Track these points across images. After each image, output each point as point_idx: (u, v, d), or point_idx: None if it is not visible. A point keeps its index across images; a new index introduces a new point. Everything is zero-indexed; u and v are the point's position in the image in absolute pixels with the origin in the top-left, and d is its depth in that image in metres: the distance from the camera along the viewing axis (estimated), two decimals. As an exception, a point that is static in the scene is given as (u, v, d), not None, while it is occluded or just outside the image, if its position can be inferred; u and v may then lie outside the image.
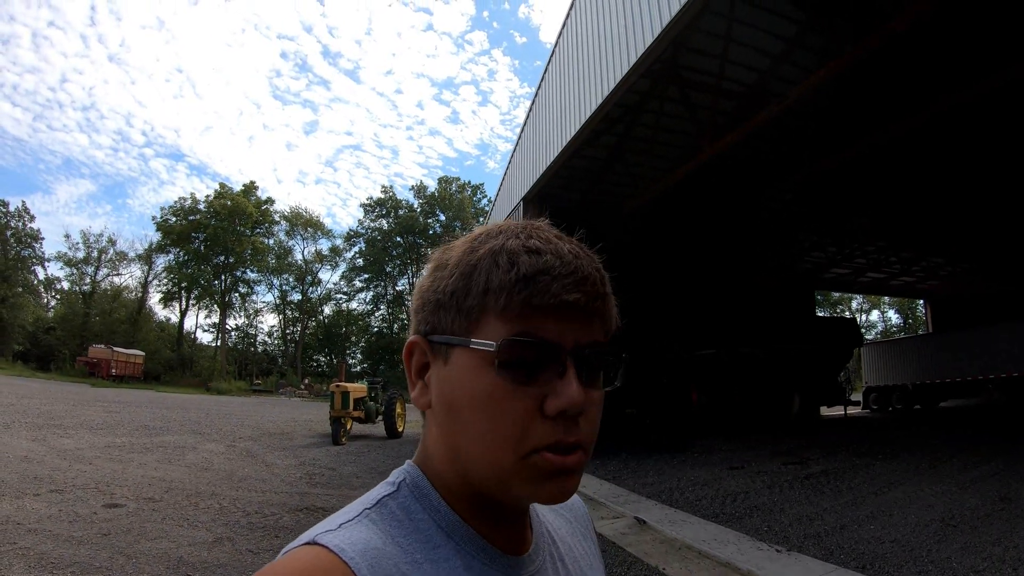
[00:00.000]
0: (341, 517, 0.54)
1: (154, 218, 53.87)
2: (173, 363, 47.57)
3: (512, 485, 0.54)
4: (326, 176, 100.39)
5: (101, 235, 58.37)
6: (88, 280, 51.09)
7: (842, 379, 21.06)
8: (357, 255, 58.67)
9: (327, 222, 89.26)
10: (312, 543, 0.50)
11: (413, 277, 58.12)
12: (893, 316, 65.30)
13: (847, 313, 57.65)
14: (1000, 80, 8.17)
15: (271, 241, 55.48)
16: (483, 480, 0.55)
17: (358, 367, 53.49)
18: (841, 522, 6.03)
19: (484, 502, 0.58)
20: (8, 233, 46.83)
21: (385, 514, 0.55)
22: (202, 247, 50.74)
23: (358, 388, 16.21)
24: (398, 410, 16.22)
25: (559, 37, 11.98)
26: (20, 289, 46.09)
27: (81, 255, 50.50)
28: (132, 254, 53.07)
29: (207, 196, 52.43)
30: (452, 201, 59.24)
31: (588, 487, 8.28)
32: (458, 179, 61.88)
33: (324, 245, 63.95)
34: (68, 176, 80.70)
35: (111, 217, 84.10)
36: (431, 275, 0.59)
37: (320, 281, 58.77)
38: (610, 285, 0.58)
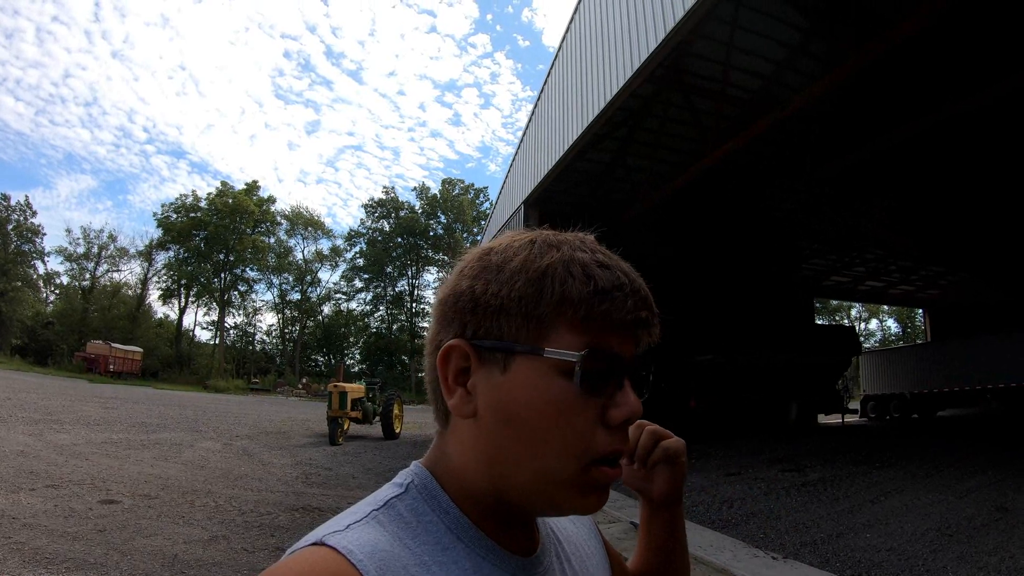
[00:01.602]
0: (348, 518, 0.53)
1: (155, 215, 54.11)
2: (171, 360, 47.56)
3: (561, 496, 0.54)
4: (327, 176, 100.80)
5: (102, 231, 59.04)
6: (88, 275, 51.18)
7: (840, 387, 21.06)
8: (357, 255, 58.75)
9: (327, 222, 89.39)
10: (320, 543, 0.49)
11: (413, 278, 58.20)
12: (892, 325, 65.40)
13: (846, 321, 57.73)
14: (1003, 89, 8.19)
15: (271, 240, 55.63)
16: (527, 490, 0.55)
17: (356, 367, 53.52)
18: (837, 530, 6.03)
19: (501, 507, 0.57)
20: (9, 227, 46.83)
21: (393, 515, 0.54)
22: (202, 245, 50.82)
23: (356, 388, 16.19)
24: (396, 411, 16.19)
25: (563, 41, 11.98)
26: (19, 283, 46.13)
27: (81, 250, 50.61)
28: (132, 250, 53.17)
29: (209, 194, 52.71)
30: (454, 203, 59.24)
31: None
32: (462, 181, 62.04)
33: (324, 245, 64.19)
34: (69, 171, 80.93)
35: (112, 213, 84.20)
36: (480, 277, 0.56)
37: (320, 281, 58.86)
38: None
